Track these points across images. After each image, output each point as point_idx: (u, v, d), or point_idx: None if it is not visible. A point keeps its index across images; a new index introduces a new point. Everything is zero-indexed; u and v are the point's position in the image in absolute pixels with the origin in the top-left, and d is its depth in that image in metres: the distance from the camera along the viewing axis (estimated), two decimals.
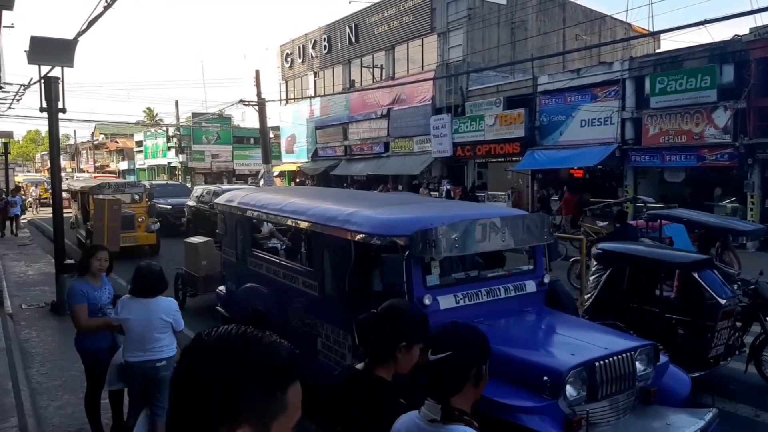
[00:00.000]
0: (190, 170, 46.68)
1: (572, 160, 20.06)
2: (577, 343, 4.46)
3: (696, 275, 6.32)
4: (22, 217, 22.56)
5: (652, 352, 4.48)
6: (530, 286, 5.48)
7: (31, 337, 7.93)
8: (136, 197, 16.84)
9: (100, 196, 13.85)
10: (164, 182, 29.21)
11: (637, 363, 4.30)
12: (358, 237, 5.17)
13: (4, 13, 9.00)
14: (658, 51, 24.26)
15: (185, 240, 11.00)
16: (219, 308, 8.29)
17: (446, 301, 4.92)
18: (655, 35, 24.04)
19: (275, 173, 32.07)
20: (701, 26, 10.42)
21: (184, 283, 10.24)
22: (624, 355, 4.23)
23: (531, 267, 5.69)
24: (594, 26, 28.50)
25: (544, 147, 20.95)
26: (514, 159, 22.14)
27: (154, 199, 19.25)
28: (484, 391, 3.99)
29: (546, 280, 5.63)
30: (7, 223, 20.43)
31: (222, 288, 8.42)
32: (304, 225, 6.19)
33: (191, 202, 20.34)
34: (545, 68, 23.35)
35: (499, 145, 22.38)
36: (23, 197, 25.68)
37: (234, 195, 8.29)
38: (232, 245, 7.87)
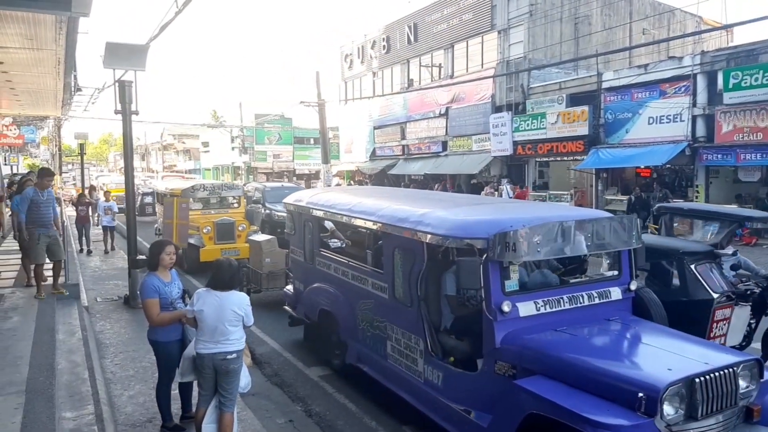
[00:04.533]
0: (252, 170, 47.93)
1: (639, 159, 19.40)
2: (674, 357, 4.13)
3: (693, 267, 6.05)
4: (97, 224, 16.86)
5: (756, 367, 4.15)
6: (615, 293, 5.18)
7: (105, 329, 8.30)
8: (233, 201, 14.98)
9: (193, 199, 13.81)
10: (278, 184, 23.06)
11: (740, 379, 4.01)
12: (432, 239, 4.99)
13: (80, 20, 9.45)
14: (731, 44, 23.12)
15: (249, 238, 11.27)
16: (286, 307, 8.34)
17: (526, 308, 4.71)
18: (728, 28, 22.92)
19: (333, 173, 32.44)
20: None
21: (248, 279, 10.44)
22: (726, 370, 3.94)
23: (616, 273, 5.36)
24: (662, 20, 27.43)
25: (609, 145, 20.34)
26: (577, 158, 21.59)
27: (266, 203, 17.93)
28: (570, 405, 3.79)
29: (633, 286, 5.30)
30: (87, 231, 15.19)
31: (289, 287, 8.43)
32: (374, 226, 6.05)
33: None
34: (610, 64, 22.67)
35: (562, 143, 21.87)
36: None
37: (302, 194, 8.28)
38: (300, 245, 7.84)
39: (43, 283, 8.91)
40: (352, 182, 34.81)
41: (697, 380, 3.81)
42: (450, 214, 5.28)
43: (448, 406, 4.90)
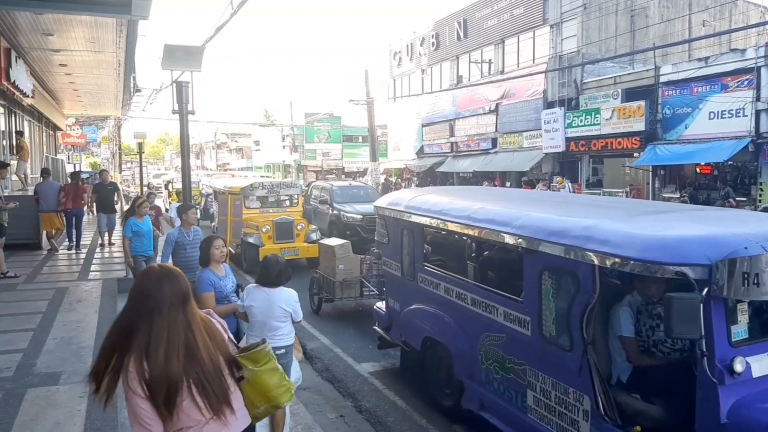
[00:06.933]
0: (302, 168, 48.64)
1: (699, 156, 18.65)
2: None
3: None
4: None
5: None
6: None
7: None
8: (293, 200, 14.70)
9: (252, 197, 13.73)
10: (346, 183, 21.82)
11: None
12: (615, 262, 3.66)
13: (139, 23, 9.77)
14: None
15: (321, 242, 10.76)
16: (376, 328, 7.35)
17: (761, 366, 3.40)
18: None
19: (381, 170, 32.54)
20: None
21: (319, 287, 9.73)
22: None
23: None
24: (724, 11, 26.32)
25: (667, 141, 19.66)
26: (633, 154, 20.97)
27: (334, 204, 17.65)
28: None
29: None
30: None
31: (380, 305, 7.37)
32: (511, 240, 4.65)
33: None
34: (668, 57, 21.87)
35: (617, 139, 21.25)
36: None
37: (399, 197, 7.06)
38: (396, 257, 6.67)
39: None
40: (399, 180, 34.82)
41: None
42: (633, 227, 3.93)
43: None
